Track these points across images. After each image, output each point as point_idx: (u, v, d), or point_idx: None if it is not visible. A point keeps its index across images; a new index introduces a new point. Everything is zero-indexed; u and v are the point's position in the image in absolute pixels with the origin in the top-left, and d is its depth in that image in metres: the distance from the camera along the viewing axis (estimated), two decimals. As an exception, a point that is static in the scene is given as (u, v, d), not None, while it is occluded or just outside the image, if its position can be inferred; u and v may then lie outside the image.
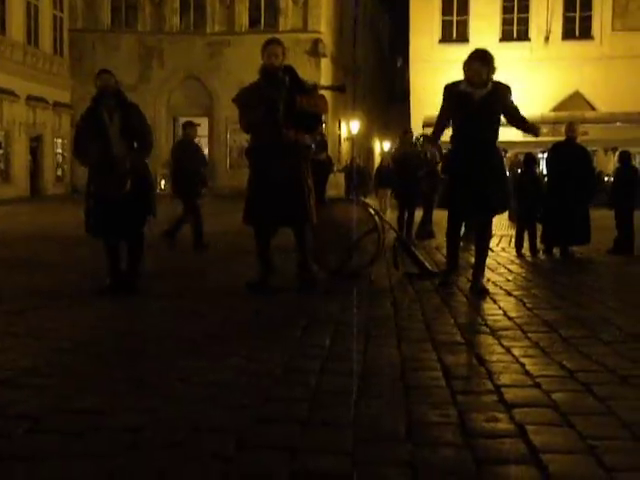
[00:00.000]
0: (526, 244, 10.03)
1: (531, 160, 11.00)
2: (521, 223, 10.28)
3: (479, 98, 6.35)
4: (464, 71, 6.42)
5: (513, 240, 10.59)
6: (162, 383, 3.56)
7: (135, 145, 6.49)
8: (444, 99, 6.59)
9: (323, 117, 6.99)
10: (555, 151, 10.08)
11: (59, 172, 33.76)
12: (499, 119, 6.52)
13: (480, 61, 6.36)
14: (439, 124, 6.76)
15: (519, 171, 28.39)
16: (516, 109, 6.54)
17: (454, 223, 6.69)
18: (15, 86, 29.44)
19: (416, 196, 12.44)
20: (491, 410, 3.11)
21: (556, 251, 9.81)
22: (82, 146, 6.55)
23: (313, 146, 6.92)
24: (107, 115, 6.37)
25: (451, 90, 6.53)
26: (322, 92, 6.86)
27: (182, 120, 35.77)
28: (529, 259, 9.46)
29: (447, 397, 3.31)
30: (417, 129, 25.33)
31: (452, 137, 6.66)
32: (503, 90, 6.47)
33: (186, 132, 11.46)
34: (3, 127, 29.22)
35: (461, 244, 8.43)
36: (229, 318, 5.37)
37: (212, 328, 4.96)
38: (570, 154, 9.73)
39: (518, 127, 6.65)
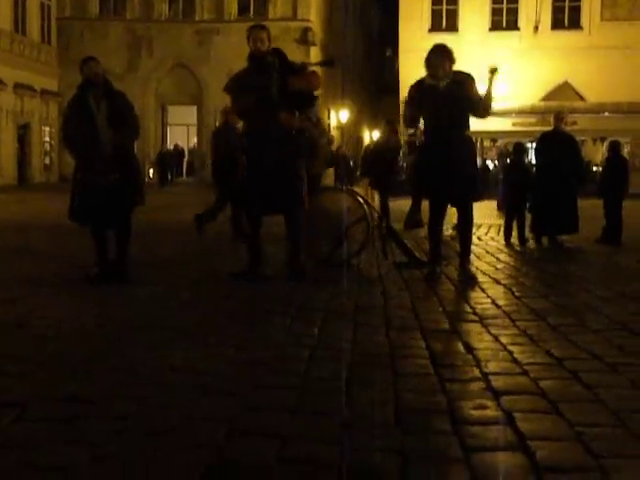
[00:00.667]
0: (515, 233, 10.05)
1: (520, 149, 11.03)
2: (510, 212, 10.30)
3: (444, 88, 6.43)
4: (426, 66, 6.49)
5: (502, 229, 10.62)
6: (152, 371, 3.56)
7: (122, 131, 6.46)
8: (410, 97, 6.66)
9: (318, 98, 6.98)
10: (543, 140, 10.12)
11: (47, 160, 33.60)
12: (466, 107, 6.54)
13: (440, 54, 6.46)
14: (410, 116, 6.79)
15: (508, 160, 28.52)
16: (479, 97, 6.57)
17: (434, 213, 6.72)
18: (2, 74, 29.26)
19: (391, 185, 12.37)
20: (479, 397, 3.12)
21: (545, 240, 9.84)
22: (71, 133, 6.53)
23: (307, 133, 6.93)
24: (94, 103, 6.34)
25: (416, 87, 6.63)
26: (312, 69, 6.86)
27: (171, 108, 36.05)
28: (518, 248, 9.49)
29: (435, 385, 3.32)
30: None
31: (424, 131, 6.77)
32: (465, 78, 6.51)
33: (227, 118, 11.12)
34: (-10, 115, 29.06)
35: (454, 233, 8.47)
36: (219, 307, 5.37)
37: (203, 317, 4.96)
38: (558, 143, 9.75)
39: (480, 114, 6.65)
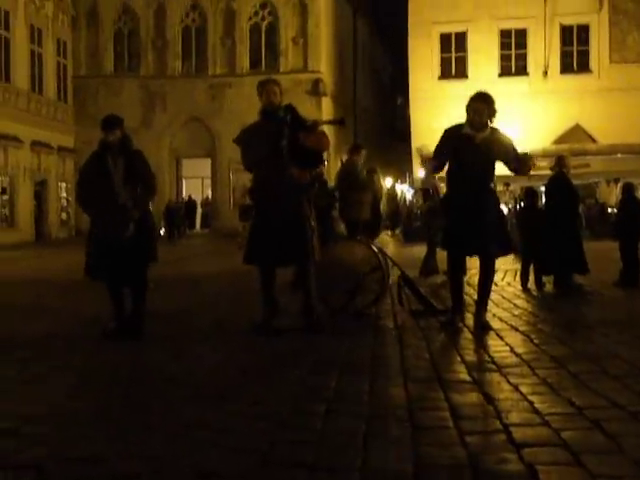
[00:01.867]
0: (531, 278, 9.99)
1: (532, 194, 11.05)
2: (526, 257, 10.26)
3: (481, 141, 6.40)
4: (467, 112, 6.46)
5: (518, 274, 10.56)
6: (166, 429, 3.52)
7: (139, 190, 6.52)
8: (443, 141, 6.59)
9: (325, 155, 7.01)
10: (548, 185, 10.25)
11: (63, 216, 33.89)
12: (495, 162, 6.55)
13: (482, 102, 6.43)
14: (439, 160, 6.75)
15: (521, 204, 28.50)
16: (515, 151, 6.56)
17: (454, 264, 6.67)
18: (20, 132, 29.72)
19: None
20: (500, 451, 3.07)
21: (549, 283, 9.84)
22: (86, 191, 6.60)
23: (316, 185, 6.96)
24: (112, 160, 6.41)
25: (452, 133, 6.56)
26: (323, 128, 6.91)
27: (185, 161, 36.39)
28: (535, 293, 9.41)
29: (455, 438, 3.27)
30: (418, 165, 25.55)
31: (450, 180, 6.69)
32: (501, 134, 6.51)
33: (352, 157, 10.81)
34: (8, 172, 29.42)
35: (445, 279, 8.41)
36: (233, 359, 5.34)
37: (216, 370, 4.94)
38: (557, 187, 9.87)
39: (515, 168, 6.64)
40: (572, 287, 9.53)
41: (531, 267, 10.10)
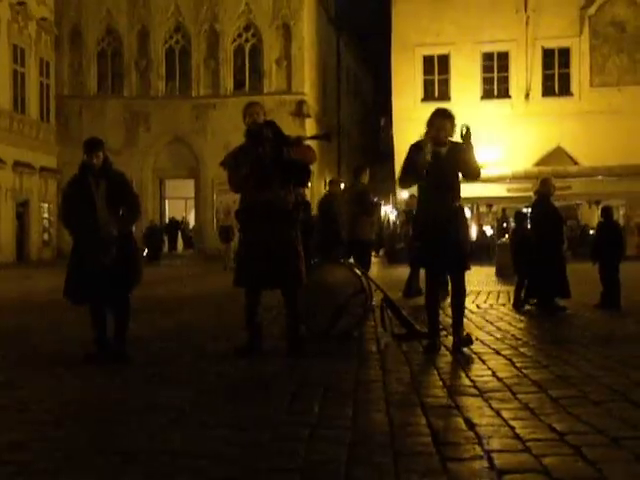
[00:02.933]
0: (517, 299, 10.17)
1: (521, 217, 11.25)
2: (520, 279, 10.39)
3: (445, 155, 6.48)
4: (428, 128, 6.54)
5: (501, 297, 10.66)
6: (152, 457, 3.51)
7: (122, 212, 6.51)
8: (409, 159, 6.62)
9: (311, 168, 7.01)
10: (533, 208, 10.40)
11: (45, 237, 33.71)
12: (459, 176, 6.63)
13: (445, 118, 6.53)
14: (408, 175, 6.77)
15: (504, 225, 28.64)
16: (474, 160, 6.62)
17: (431, 283, 6.72)
18: (2, 153, 29.61)
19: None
20: (482, 477, 3.09)
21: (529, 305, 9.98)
22: (69, 213, 6.59)
23: (301, 207, 7.00)
24: (93, 183, 6.41)
25: (416, 150, 6.59)
26: (308, 142, 6.94)
27: (168, 182, 36.36)
28: (521, 313, 9.56)
29: (437, 464, 3.28)
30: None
31: (419, 197, 6.78)
32: (463, 147, 6.56)
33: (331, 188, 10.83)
34: (-11, 193, 29.30)
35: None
36: (216, 384, 5.33)
37: (199, 396, 4.92)
38: (542, 211, 10.02)
39: (471, 177, 6.69)
40: (554, 309, 9.61)
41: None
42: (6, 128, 30.47)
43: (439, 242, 6.43)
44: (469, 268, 6.69)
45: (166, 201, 37.29)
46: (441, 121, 6.52)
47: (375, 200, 9.80)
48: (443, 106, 6.93)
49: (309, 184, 7.60)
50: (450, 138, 6.57)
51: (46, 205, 33.48)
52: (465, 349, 6.42)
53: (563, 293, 9.80)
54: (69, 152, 30.99)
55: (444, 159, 6.48)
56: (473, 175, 6.65)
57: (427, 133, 6.57)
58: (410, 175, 6.70)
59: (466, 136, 6.44)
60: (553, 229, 9.92)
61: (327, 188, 12.51)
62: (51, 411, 4.58)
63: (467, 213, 6.90)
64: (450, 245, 6.44)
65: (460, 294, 6.72)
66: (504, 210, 28.46)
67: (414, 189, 7.06)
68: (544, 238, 9.82)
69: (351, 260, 9.31)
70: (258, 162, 6.41)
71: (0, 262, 28.62)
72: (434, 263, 6.62)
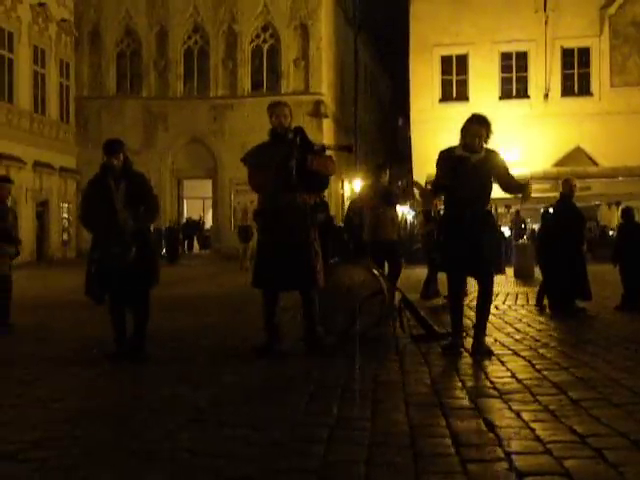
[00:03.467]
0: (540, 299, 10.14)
1: (548, 217, 11.19)
2: (545, 279, 10.34)
3: (476, 162, 6.43)
4: (462, 135, 6.50)
5: (519, 298, 10.59)
6: (170, 455, 3.52)
7: (141, 211, 6.54)
8: (441, 163, 6.62)
9: (330, 178, 7.02)
10: (555, 208, 10.30)
11: (65, 236, 33.93)
12: (492, 183, 6.59)
13: (479, 125, 6.46)
14: (438, 185, 6.78)
15: (522, 226, 28.47)
16: (509, 174, 6.60)
17: (454, 286, 6.68)
18: (22, 153, 29.82)
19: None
20: (503, 479, 3.06)
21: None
22: (89, 212, 6.63)
23: (321, 209, 6.98)
24: (113, 184, 6.44)
25: (446, 155, 6.59)
26: (329, 153, 6.94)
27: (186, 182, 36.50)
28: (540, 314, 9.51)
29: (457, 466, 3.26)
30: (419, 187, 25.49)
31: (447, 201, 6.73)
32: (497, 155, 6.54)
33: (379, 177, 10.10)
34: (10, 193, 29.48)
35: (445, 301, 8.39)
36: (234, 384, 5.33)
37: (218, 395, 4.93)
38: (564, 211, 9.94)
39: (510, 191, 6.69)
40: (574, 311, 9.53)
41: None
42: (26, 129, 30.69)
43: (467, 246, 6.39)
44: (503, 272, 6.66)
45: (184, 201, 37.44)
46: (477, 128, 6.46)
47: (404, 187, 9.78)
48: (462, 107, 6.92)
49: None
50: (485, 144, 6.53)
51: (66, 205, 33.69)
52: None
53: (584, 295, 9.73)
54: (88, 152, 31.17)
55: (476, 166, 6.43)
56: (514, 192, 6.69)
57: (462, 139, 6.51)
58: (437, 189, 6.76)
59: (525, 192, 6.49)
60: (574, 230, 9.84)
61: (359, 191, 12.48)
62: (70, 409, 4.61)
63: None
64: (478, 249, 6.39)
65: (486, 299, 6.66)
66: (518, 212, 28.27)
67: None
68: (565, 239, 9.74)
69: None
70: (282, 165, 6.39)
71: (20, 261, 28.78)
72: (461, 266, 6.57)
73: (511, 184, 6.63)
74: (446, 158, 6.56)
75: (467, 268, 6.58)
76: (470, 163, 6.41)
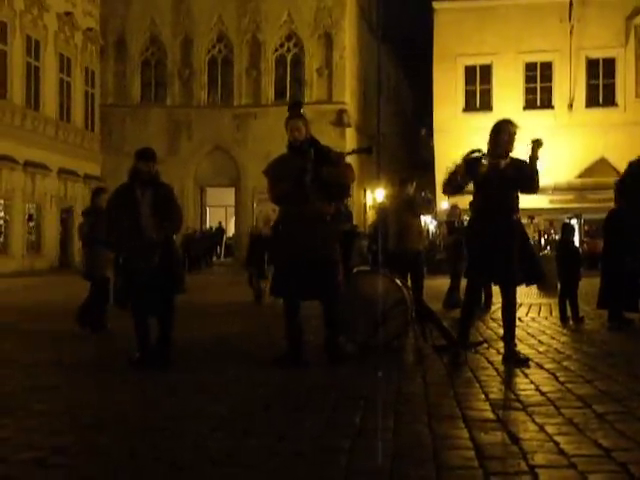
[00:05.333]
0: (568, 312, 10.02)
1: (569, 229, 11.07)
2: (563, 291, 10.24)
3: (504, 168, 6.43)
4: (497, 140, 6.50)
5: (543, 309, 10.51)
6: (193, 464, 3.53)
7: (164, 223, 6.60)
8: (466, 167, 6.56)
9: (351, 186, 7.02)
10: (607, 218, 10.16)
11: (88, 243, 34.17)
12: (518, 190, 6.57)
13: (514, 127, 6.52)
14: (459, 184, 6.73)
15: (547, 237, 28.24)
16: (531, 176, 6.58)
17: (473, 295, 6.68)
18: (48, 160, 30.16)
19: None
20: (527, 493, 3.05)
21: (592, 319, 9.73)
22: (113, 224, 6.71)
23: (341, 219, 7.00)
24: (140, 191, 6.52)
25: (474, 161, 6.55)
26: (349, 159, 6.94)
27: (209, 190, 36.67)
28: (571, 327, 9.41)
29: (481, 478, 3.25)
30: (442, 198, 25.59)
31: (475, 209, 6.72)
32: (523, 163, 6.53)
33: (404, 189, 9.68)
34: (35, 199, 29.82)
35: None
36: (256, 394, 5.34)
37: (240, 405, 4.94)
38: (616, 222, 9.80)
39: (530, 190, 6.64)
40: (623, 322, 9.38)
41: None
42: (52, 136, 31.04)
43: (495, 254, 6.38)
44: (543, 278, 6.69)
45: (207, 209, 37.62)
46: (513, 131, 6.49)
47: (427, 198, 9.66)
48: (485, 117, 6.94)
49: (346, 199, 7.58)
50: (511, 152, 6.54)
51: (89, 212, 33.95)
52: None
53: (632, 306, 9.57)
54: (112, 160, 31.51)
55: (503, 174, 6.43)
56: (531, 189, 6.61)
57: (492, 146, 6.52)
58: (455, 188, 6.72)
59: (535, 149, 6.42)
60: (626, 239, 9.69)
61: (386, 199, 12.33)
62: (95, 416, 4.64)
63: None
64: (506, 257, 6.38)
65: (511, 307, 6.65)
66: (551, 222, 28.05)
67: (455, 199, 7.03)
68: (616, 248, 9.56)
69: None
70: (297, 179, 6.42)
71: (45, 268, 29.11)
72: (487, 275, 6.56)
73: (531, 173, 6.55)
74: (473, 162, 6.53)
75: (494, 276, 6.58)
76: (498, 170, 6.42)
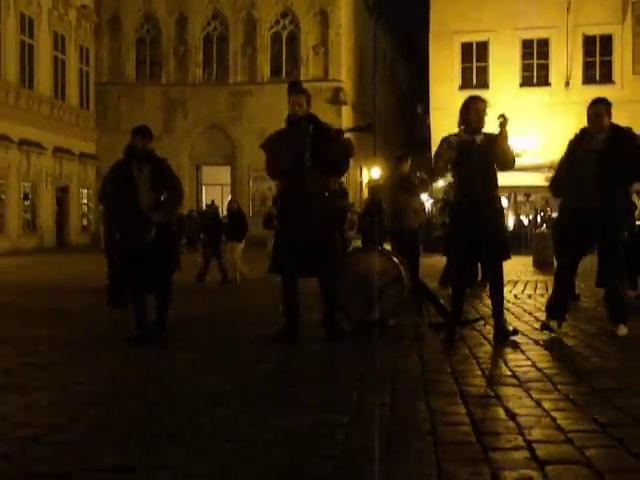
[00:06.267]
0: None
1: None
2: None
3: (480, 144, 6.41)
4: (464, 119, 6.47)
5: (538, 286, 10.52)
6: (190, 439, 3.54)
7: (163, 197, 6.58)
8: (444, 149, 6.55)
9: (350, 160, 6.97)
10: None
11: (84, 222, 34.15)
12: (495, 165, 6.54)
13: (484, 103, 6.49)
14: (442, 167, 6.72)
15: (542, 214, 28.18)
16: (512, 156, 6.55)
17: (461, 272, 6.69)
18: (43, 139, 30.01)
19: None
20: (524, 468, 3.06)
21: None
22: (108, 194, 6.69)
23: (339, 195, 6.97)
24: (136, 168, 6.49)
25: (451, 141, 6.55)
26: (348, 135, 6.91)
27: (205, 168, 36.55)
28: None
29: (478, 453, 3.26)
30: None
31: (455, 187, 6.71)
32: (497, 136, 6.47)
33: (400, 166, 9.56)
34: (30, 178, 29.71)
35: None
36: (253, 369, 5.36)
37: (237, 380, 4.96)
38: None
39: (505, 167, 6.61)
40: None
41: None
42: (47, 115, 30.87)
43: (475, 231, 6.37)
44: (509, 257, 6.63)
45: (202, 187, 37.53)
46: (483, 107, 6.45)
47: (422, 177, 9.58)
48: (482, 94, 6.88)
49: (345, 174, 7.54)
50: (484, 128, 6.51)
51: (85, 191, 33.92)
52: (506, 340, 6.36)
53: (630, 283, 9.55)
54: (108, 138, 31.39)
55: (479, 149, 6.41)
56: (507, 166, 6.56)
57: (464, 124, 6.50)
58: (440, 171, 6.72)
59: (502, 125, 6.36)
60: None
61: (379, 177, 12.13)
62: (91, 393, 4.65)
63: (504, 202, 6.81)
64: (487, 234, 6.38)
65: (498, 284, 6.64)
66: (547, 200, 28.01)
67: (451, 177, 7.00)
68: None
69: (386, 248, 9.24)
70: (296, 154, 6.39)
71: (41, 247, 29.07)
72: (469, 252, 6.57)
73: (505, 154, 6.50)
74: (450, 144, 6.52)
75: (475, 254, 6.58)
76: (475, 146, 6.40)
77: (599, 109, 6.57)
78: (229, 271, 13.84)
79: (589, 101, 6.90)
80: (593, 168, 6.33)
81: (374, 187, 10.98)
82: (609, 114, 6.59)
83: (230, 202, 16.28)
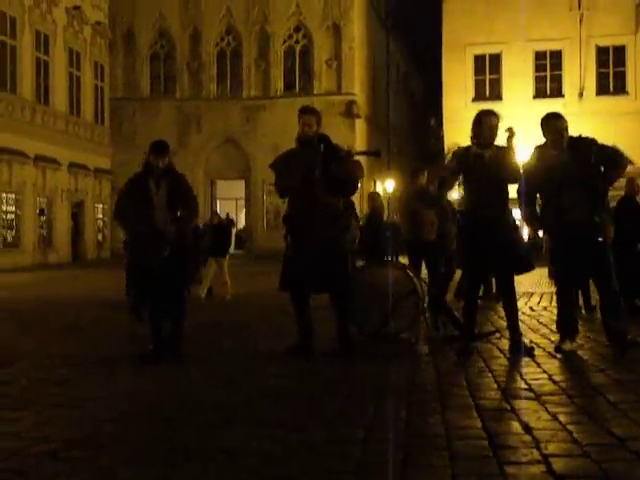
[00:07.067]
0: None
1: None
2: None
3: (489, 158, 6.41)
4: (479, 131, 6.47)
5: (554, 299, 10.39)
6: (206, 454, 3.55)
7: (179, 213, 6.60)
8: (454, 163, 6.59)
9: (360, 181, 7.01)
10: (617, 207, 10.07)
11: (99, 237, 34.30)
12: (505, 178, 6.54)
13: (496, 118, 6.49)
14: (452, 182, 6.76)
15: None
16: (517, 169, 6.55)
17: (471, 288, 6.68)
18: (58, 154, 30.21)
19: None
20: (540, 482, 3.04)
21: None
22: (123, 209, 6.72)
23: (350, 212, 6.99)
24: (154, 184, 6.52)
25: (462, 154, 6.57)
26: (357, 157, 6.94)
27: (219, 183, 36.64)
28: (583, 316, 9.35)
29: (495, 468, 3.25)
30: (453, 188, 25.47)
31: (465, 200, 6.73)
32: (506, 149, 6.49)
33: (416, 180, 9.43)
34: (45, 194, 29.90)
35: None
36: (269, 384, 5.35)
37: (253, 395, 4.95)
38: (627, 210, 9.74)
39: (510, 180, 6.61)
40: (636, 310, 9.30)
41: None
42: (62, 130, 31.09)
43: (485, 245, 6.36)
44: (532, 268, 6.63)
45: (217, 201, 37.63)
46: (495, 122, 6.46)
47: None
48: (495, 106, 6.90)
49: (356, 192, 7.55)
50: (495, 141, 6.51)
51: (100, 206, 34.08)
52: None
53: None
54: (123, 153, 31.59)
55: (489, 163, 6.41)
56: (511, 179, 6.55)
57: (476, 138, 6.51)
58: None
59: (510, 138, 6.38)
60: (637, 227, 9.63)
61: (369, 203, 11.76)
62: (106, 408, 4.66)
63: (518, 214, 6.79)
64: (496, 248, 6.36)
65: (510, 297, 6.62)
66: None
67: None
68: (628, 237, 9.51)
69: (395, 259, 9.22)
70: (306, 174, 6.42)
71: (56, 262, 29.23)
72: (480, 266, 6.56)
73: (511, 167, 6.51)
74: (461, 157, 6.55)
75: (487, 267, 6.58)
76: (484, 160, 6.41)
77: (560, 124, 6.51)
78: (222, 288, 13.32)
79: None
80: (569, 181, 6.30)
81: (373, 196, 10.97)
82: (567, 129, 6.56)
83: (212, 215, 15.16)
